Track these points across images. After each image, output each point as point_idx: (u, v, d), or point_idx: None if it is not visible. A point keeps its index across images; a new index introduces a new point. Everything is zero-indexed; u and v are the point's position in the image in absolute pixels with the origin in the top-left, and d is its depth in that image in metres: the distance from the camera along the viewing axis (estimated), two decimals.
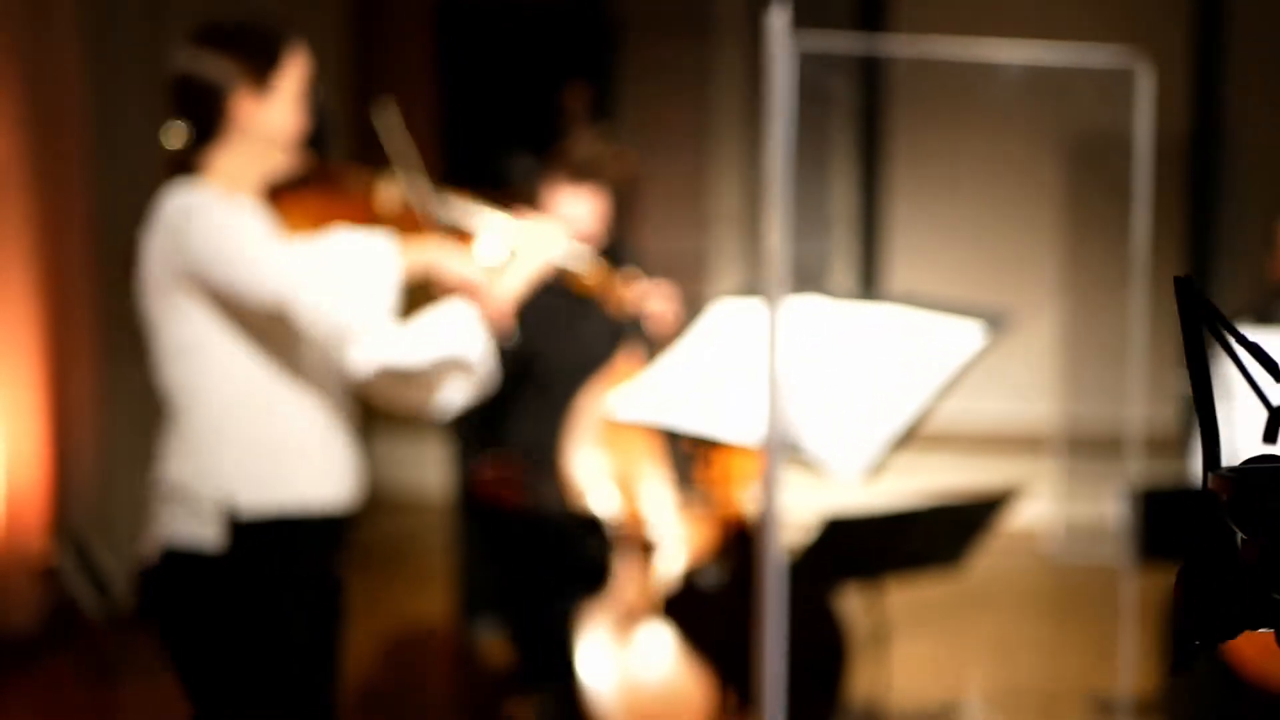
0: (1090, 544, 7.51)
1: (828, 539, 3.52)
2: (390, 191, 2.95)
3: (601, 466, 4.17)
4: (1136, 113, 2.57)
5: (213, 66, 2.81)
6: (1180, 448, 7.39)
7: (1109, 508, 7.43)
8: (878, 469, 2.64)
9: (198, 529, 2.78)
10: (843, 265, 8.80)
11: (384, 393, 2.90)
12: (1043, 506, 7.26)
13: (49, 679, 5.56)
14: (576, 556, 4.28)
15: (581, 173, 4.13)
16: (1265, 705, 3.92)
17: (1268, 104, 7.97)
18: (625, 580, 4.12)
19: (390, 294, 2.73)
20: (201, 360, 2.83)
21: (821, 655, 4.15)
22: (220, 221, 2.74)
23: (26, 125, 5.79)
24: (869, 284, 8.50)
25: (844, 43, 7.04)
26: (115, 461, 6.29)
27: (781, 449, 1.84)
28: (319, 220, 2.84)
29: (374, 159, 3.02)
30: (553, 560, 4.31)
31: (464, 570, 5.94)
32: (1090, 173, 7.79)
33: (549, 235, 3.05)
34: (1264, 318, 4.34)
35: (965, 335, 2.74)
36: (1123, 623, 3.11)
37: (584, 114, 4.56)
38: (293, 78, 2.85)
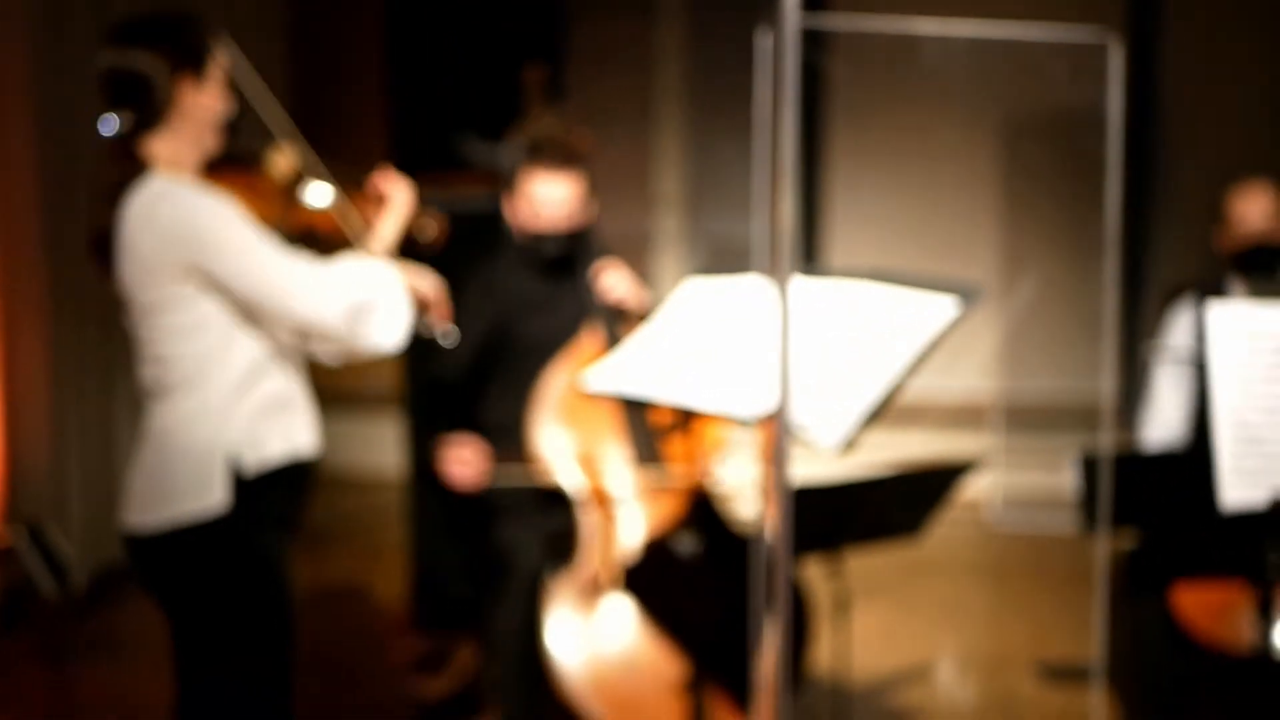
0: (1027, 513, 7.68)
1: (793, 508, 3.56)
2: (280, 165, 3.18)
3: (565, 442, 4.24)
4: (1109, 88, 2.66)
5: (150, 58, 2.95)
6: (1122, 418, 7.59)
7: (1044, 478, 7.60)
8: (854, 441, 2.72)
9: (206, 496, 2.92)
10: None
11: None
12: (982, 477, 7.39)
13: (4, 659, 5.57)
14: (540, 531, 4.35)
15: (561, 157, 4.17)
16: (1212, 664, 4.04)
17: (1204, 77, 8.12)
18: (589, 553, 4.19)
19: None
20: (206, 336, 2.97)
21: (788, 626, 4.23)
22: (236, 235, 2.92)
23: None
24: (809, 262, 8.60)
25: (838, 21, 7.12)
26: (67, 444, 6.29)
27: (787, 424, 1.91)
28: (237, 195, 3.05)
29: (316, 141, 3.23)
30: (516, 535, 4.36)
31: (418, 548, 6.00)
32: (1027, 149, 7.90)
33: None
34: (1217, 290, 4.46)
35: (939, 308, 2.82)
36: (1096, 588, 3.21)
37: (542, 94, 4.62)
38: (221, 64, 3.04)
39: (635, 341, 3.42)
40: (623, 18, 8.65)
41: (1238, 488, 2.78)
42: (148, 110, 2.97)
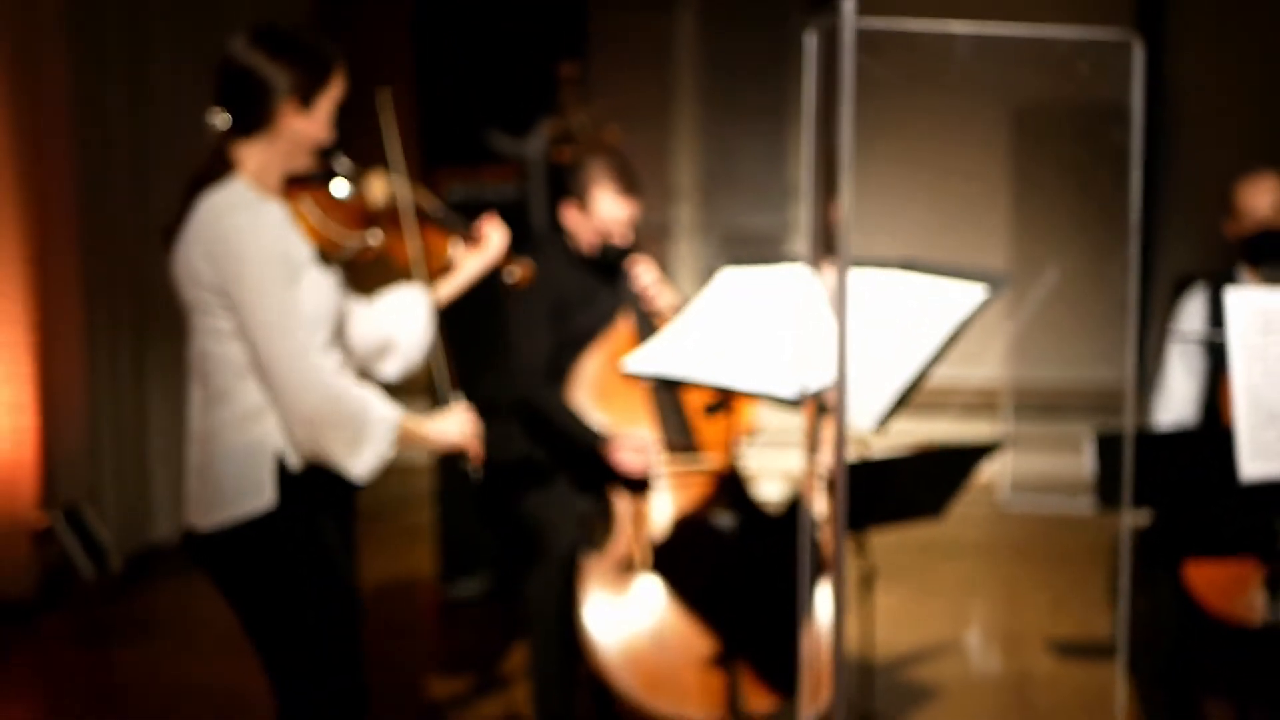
0: (1035, 496, 7.84)
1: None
2: (378, 188, 3.26)
3: (601, 420, 4.40)
4: (1133, 84, 2.80)
5: (268, 69, 3.01)
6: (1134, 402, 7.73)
7: (1050, 462, 7.74)
8: (888, 421, 2.87)
9: (256, 497, 2.98)
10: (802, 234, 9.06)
11: None
12: (993, 461, 7.53)
13: (43, 639, 5.71)
14: (574, 510, 4.49)
15: (632, 183, 4.52)
16: (1222, 635, 4.18)
17: (1211, 70, 8.24)
18: (621, 533, 4.32)
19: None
20: (241, 342, 2.99)
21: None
22: (256, 247, 2.95)
23: (11, 107, 5.92)
24: (827, 252, 8.73)
25: (882, 23, 7.23)
26: (101, 430, 6.43)
27: (846, 404, 2.04)
28: (310, 215, 3.11)
29: (354, 147, 3.29)
30: (549, 515, 4.49)
31: (444, 531, 6.14)
32: (1036, 143, 8.03)
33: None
34: (1228, 278, 4.60)
35: (967, 295, 2.97)
36: (1120, 565, 3.33)
37: (575, 90, 4.80)
38: (333, 97, 3.09)
39: (676, 327, 3.57)
40: (642, 12, 8.81)
41: (1256, 461, 2.94)
42: (249, 117, 3.03)
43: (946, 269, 3.06)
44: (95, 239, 6.37)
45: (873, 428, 2.86)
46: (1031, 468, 7.87)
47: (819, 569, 3.86)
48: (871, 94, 8.58)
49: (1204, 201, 5.61)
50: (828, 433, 2.80)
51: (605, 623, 4.26)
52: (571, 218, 4.57)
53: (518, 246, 3.73)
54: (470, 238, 3.56)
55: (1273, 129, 8.12)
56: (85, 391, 6.32)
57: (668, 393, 4.45)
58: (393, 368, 3.41)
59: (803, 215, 9.25)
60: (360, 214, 3.20)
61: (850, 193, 1.82)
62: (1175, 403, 4.64)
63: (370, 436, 2.99)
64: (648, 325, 4.50)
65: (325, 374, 2.96)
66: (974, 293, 2.98)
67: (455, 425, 3.25)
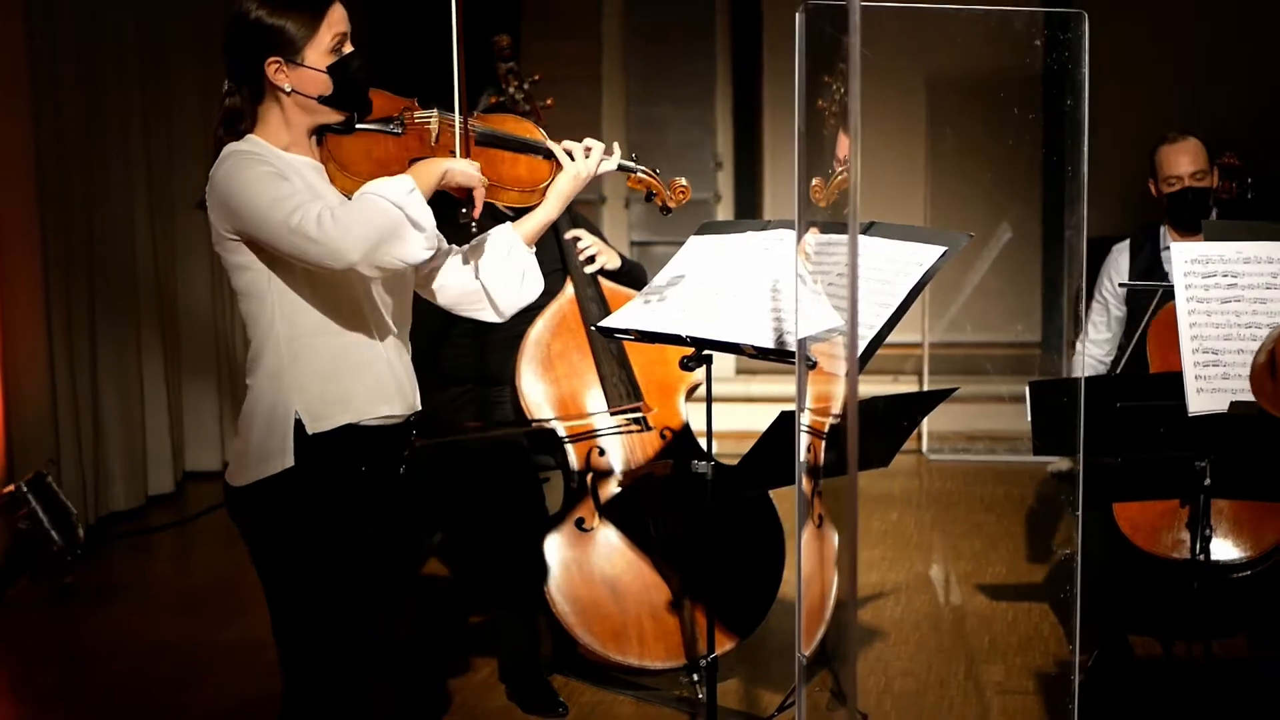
0: (956, 446, 8.20)
1: (779, 431, 3.84)
2: (434, 121, 3.15)
3: (547, 389, 4.60)
4: (1081, 54, 3.06)
5: (250, 27, 3.06)
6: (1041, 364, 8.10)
7: (967, 416, 8.07)
8: (861, 368, 3.13)
9: (275, 454, 3.07)
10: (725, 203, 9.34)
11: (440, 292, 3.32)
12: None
13: (12, 603, 5.85)
14: (529, 473, 4.69)
15: None
16: (1150, 566, 4.48)
17: (1120, 41, 8.55)
18: (576, 491, 4.55)
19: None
20: (261, 301, 3.09)
21: (766, 550, 4.63)
22: (244, 178, 2.98)
23: None
24: (756, 219, 9.00)
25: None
26: (61, 402, 6.55)
27: (856, 354, 2.27)
28: (377, 159, 3.11)
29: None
30: (504, 480, 4.66)
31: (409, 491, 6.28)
32: (950, 112, 8.30)
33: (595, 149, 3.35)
34: (1152, 236, 4.94)
35: (928, 255, 3.24)
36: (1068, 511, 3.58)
37: (510, 63, 4.98)
38: (324, 44, 3.06)
39: (649, 288, 3.80)
40: None
41: (1201, 397, 3.24)
42: (248, 77, 3.08)
43: (907, 232, 3.32)
44: (52, 219, 6.49)
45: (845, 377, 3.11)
46: (947, 424, 8.19)
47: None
48: (787, 66, 8.77)
49: (1111, 166, 5.88)
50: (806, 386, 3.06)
51: (563, 577, 4.48)
52: None
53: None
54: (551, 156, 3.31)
55: (1179, 95, 8.48)
56: (46, 364, 6.45)
57: (613, 352, 4.65)
58: (490, 315, 3.33)
59: (767, 187, 9.47)
60: (418, 151, 3.13)
61: (857, 165, 2.04)
62: (1095, 347, 4.98)
63: (410, 213, 2.92)
64: (592, 291, 4.72)
65: (332, 214, 2.90)
66: (932, 253, 3.25)
67: (467, 163, 3.09)
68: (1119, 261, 4.97)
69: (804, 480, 3.98)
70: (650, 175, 3.47)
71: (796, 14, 2.59)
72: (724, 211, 9.28)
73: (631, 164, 3.44)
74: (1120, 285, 4.91)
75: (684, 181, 3.50)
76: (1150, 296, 4.65)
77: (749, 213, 9.24)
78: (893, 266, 3.27)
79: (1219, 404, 3.21)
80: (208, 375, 7.92)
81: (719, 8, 9.24)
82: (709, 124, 9.29)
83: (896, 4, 2.42)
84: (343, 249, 2.89)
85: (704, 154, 9.29)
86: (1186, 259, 3.31)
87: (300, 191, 3.00)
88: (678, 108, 9.25)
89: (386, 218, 2.91)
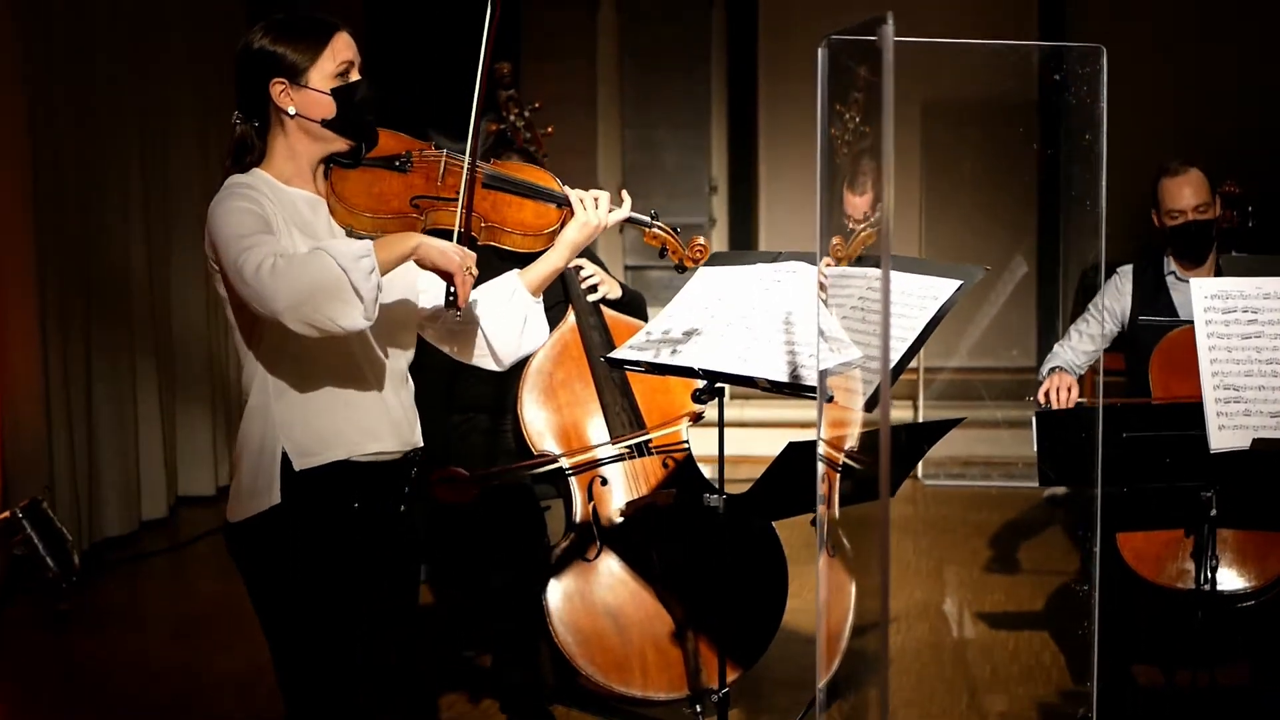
0: (951, 472, 8.20)
1: (787, 462, 3.82)
2: (442, 160, 3.11)
3: (550, 419, 4.59)
4: (1099, 87, 3.07)
5: (256, 55, 3.03)
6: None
7: (963, 442, 8.08)
8: (879, 401, 3.13)
9: (263, 491, 3.03)
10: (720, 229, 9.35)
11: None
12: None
13: (8, 628, 5.81)
14: (533, 501, 4.67)
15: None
16: (1153, 596, 4.47)
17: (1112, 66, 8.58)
18: (579, 519, 4.52)
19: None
20: (248, 334, 3.04)
21: (770, 581, 4.61)
22: (223, 208, 2.94)
23: None
24: (749, 245, 9.02)
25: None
26: (56, 428, 6.52)
27: (888, 382, 2.27)
28: (377, 194, 3.08)
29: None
30: (510, 506, 4.63)
31: None
32: (945, 139, 8.31)
33: (601, 199, 3.31)
34: (1156, 264, 4.94)
35: (944, 289, 3.24)
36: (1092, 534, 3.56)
37: (511, 90, 5.00)
38: (327, 70, 3.04)
39: (659, 320, 3.78)
40: (568, 9, 9.05)
41: (1223, 435, 3.24)
42: (254, 106, 3.05)
43: (922, 265, 3.32)
44: (48, 244, 6.47)
45: (865, 408, 3.12)
46: (942, 449, 8.19)
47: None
48: (782, 92, 8.84)
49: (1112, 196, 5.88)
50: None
51: (565, 609, 4.46)
52: None
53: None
54: (565, 203, 3.28)
55: (1168, 119, 8.49)
56: (41, 389, 6.42)
57: (615, 381, 4.64)
58: (490, 364, 3.30)
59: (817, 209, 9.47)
60: (423, 190, 3.11)
61: (890, 194, 2.04)
62: (1068, 352, 4.97)
63: (353, 278, 2.79)
64: (595, 320, 4.71)
65: (276, 262, 2.81)
66: (948, 286, 3.25)
67: (449, 245, 2.97)
68: (1122, 285, 4.97)
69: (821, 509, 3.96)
70: (667, 232, 3.43)
71: (819, 48, 2.59)
72: (719, 235, 9.29)
73: (646, 218, 3.40)
74: (1140, 319, 4.88)
75: (703, 241, 3.49)
76: (1160, 328, 4.69)
77: (744, 237, 9.25)
78: (908, 300, 3.27)
79: (1241, 440, 3.21)
80: (202, 400, 7.91)
81: (715, 31, 9.27)
82: (704, 147, 9.30)
83: (918, 39, 2.42)
84: (270, 298, 2.80)
85: (699, 177, 9.30)
86: (1206, 294, 3.31)
87: (267, 234, 2.92)
88: (673, 131, 9.26)
89: (326, 276, 2.79)
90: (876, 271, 3.35)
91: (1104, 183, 3.16)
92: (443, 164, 3.12)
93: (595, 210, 3.26)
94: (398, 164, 3.12)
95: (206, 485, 7.82)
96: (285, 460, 3.03)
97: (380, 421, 3.12)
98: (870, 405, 3.14)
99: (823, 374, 3.08)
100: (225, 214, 2.94)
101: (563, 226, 3.26)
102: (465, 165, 3.09)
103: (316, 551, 3.06)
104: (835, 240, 3.33)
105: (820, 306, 3.23)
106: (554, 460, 4.52)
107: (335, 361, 3.05)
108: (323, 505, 3.06)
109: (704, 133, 9.28)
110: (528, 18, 8.91)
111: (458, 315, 3.05)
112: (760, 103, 9.30)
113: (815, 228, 2.66)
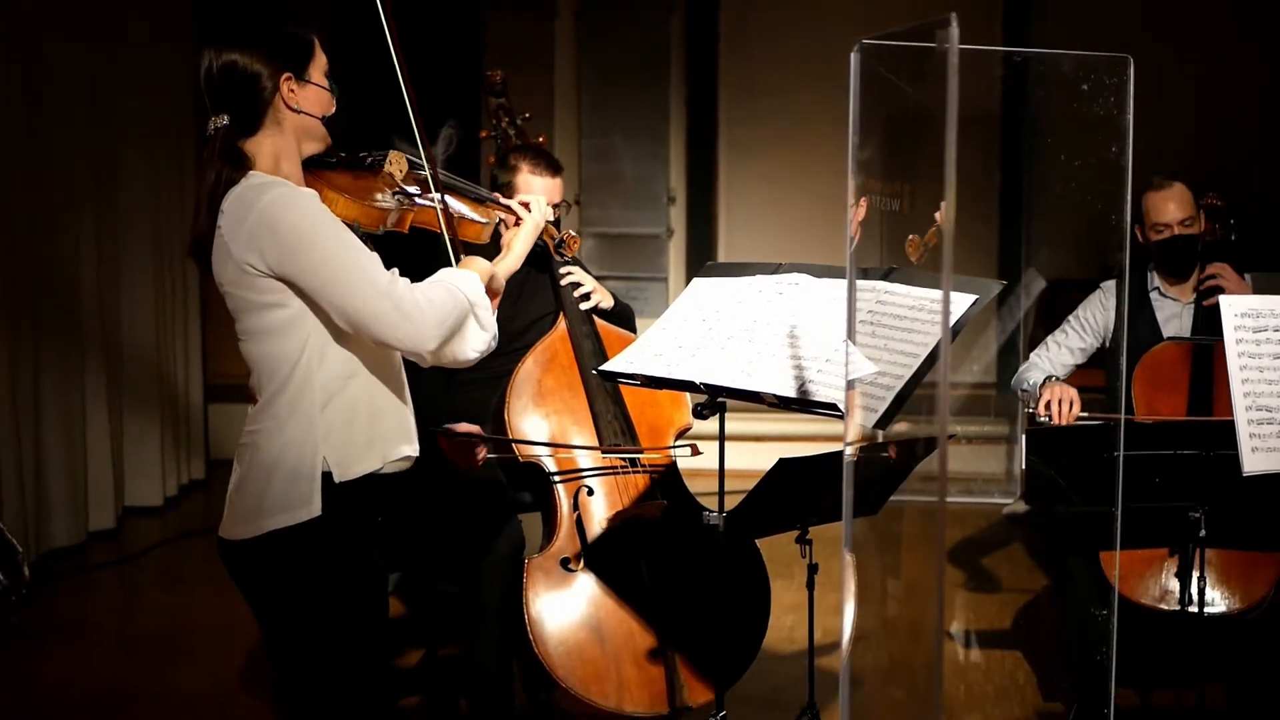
0: (904, 487, 8.13)
1: (776, 479, 3.75)
2: (398, 166, 3.29)
3: (540, 422, 4.50)
4: (1126, 98, 3.03)
5: (253, 62, 3.02)
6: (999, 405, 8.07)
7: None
8: (892, 419, 3.05)
9: (302, 509, 3.00)
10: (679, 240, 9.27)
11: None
12: None
13: None
14: (516, 510, 4.58)
15: (549, 162, 4.75)
16: (1133, 615, 4.42)
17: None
18: (563, 530, 4.43)
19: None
20: (294, 342, 3.01)
21: (753, 599, 4.53)
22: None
23: None
24: (708, 256, 8.94)
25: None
26: (3, 436, 6.38)
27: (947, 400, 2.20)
28: (365, 190, 3.18)
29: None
30: (492, 515, 4.56)
31: None
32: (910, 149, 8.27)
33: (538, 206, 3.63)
34: (1141, 279, 4.90)
35: (959, 304, 3.16)
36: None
37: (496, 95, 4.96)
38: (321, 68, 3.13)
39: (655, 332, 3.69)
40: (528, 19, 8.96)
41: (1256, 459, 3.17)
42: (249, 113, 3.03)
43: (934, 280, 3.24)
44: None
45: (878, 426, 3.03)
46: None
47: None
48: (741, 98, 8.78)
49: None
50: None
51: (546, 618, 4.36)
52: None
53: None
54: (508, 210, 3.57)
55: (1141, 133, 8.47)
56: None
57: (607, 390, 4.56)
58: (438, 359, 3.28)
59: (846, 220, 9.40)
60: (387, 192, 3.25)
61: (952, 206, 1.97)
62: (1046, 363, 4.93)
63: (477, 311, 3.11)
64: (588, 329, 4.63)
65: (416, 293, 2.99)
66: (962, 301, 3.17)
67: (526, 229, 3.51)
68: (1107, 300, 4.93)
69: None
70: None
71: (851, 53, 2.52)
72: (675, 247, 9.20)
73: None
74: (1168, 338, 4.81)
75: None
76: (1142, 346, 4.65)
77: (703, 248, 9.15)
78: (919, 315, 3.19)
79: (1275, 464, 3.15)
80: (150, 410, 7.76)
81: (674, 40, 9.17)
82: (663, 157, 9.21)
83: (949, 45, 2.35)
84: (426, 337, 3.00)
85: (657, 188, 9.21)
86: (1236, 312, 3.24)
87: (369, 252, 3.03)
88: (630, 141, 9.16)
89: (460, 309, 3.06)
90: (885, 285, 3.29)
91: (1129, 196, 3.10)
92: (405, 163, 3.31)
93: (537, 211, 3.60)
94: (369, 163, 3.27)
95: (154, 496, 7.66)
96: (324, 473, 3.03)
97: (408, 423, 3.23)
98: (884, 423, 3.06)
99: (850, 384, 3.01)
100: (327, 229, 2.96)
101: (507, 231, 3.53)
102: (427, 164, 3.30)
103: (354, 561, 3.10)
104: (911, 237, 3.31)
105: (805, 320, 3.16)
106: (566, 446, 4.44)
107: (378, 367, 3.12)
108: (358, 516, 3.09)
109: (663, 143, 9.19)
110: (493, 27, 8.84)
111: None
112: (720, 112, 9.21)
113: (845, 238, 2.61)
